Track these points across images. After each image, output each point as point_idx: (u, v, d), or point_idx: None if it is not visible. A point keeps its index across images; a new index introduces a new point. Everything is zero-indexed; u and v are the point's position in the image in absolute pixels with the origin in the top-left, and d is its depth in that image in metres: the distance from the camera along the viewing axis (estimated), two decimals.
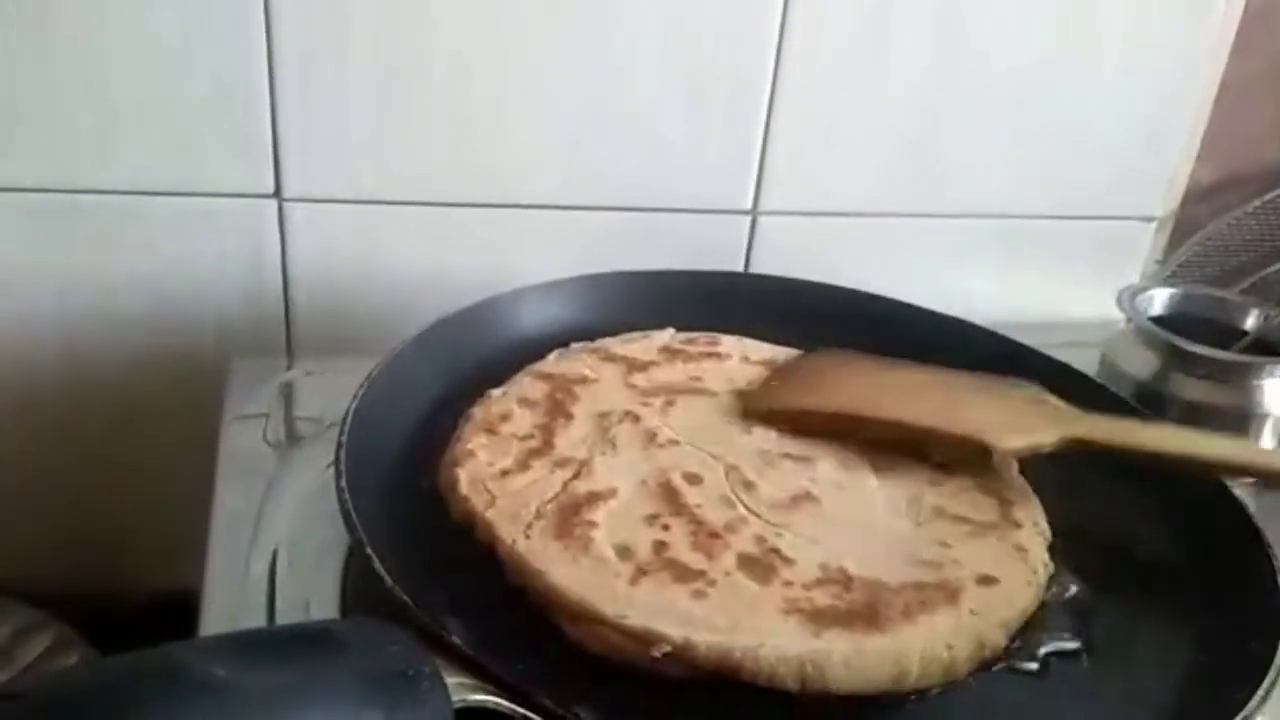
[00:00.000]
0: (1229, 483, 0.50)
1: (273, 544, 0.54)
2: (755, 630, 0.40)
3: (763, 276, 0.68)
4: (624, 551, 0.43)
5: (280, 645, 0.34)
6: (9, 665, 0.69)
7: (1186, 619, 0.45)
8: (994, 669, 0.41)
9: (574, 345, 0.58)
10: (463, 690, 0.35)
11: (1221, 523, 0.48)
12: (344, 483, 0.44)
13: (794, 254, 0.77)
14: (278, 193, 0.69)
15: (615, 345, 0.58)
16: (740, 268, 0.78)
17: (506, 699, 0.36)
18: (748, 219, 0.77)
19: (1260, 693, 0.38)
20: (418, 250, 0.72)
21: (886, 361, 0.56)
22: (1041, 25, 0.75)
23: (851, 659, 0.39)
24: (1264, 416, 0.63)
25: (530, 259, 0.72)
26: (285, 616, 0.50)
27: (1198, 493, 0.50)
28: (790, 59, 0.72)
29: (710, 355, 0.58)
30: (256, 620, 0.51)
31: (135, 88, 0.65)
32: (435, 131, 0.69)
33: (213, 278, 0.70)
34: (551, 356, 0.57)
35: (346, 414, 0.48)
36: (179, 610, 0.54)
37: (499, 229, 0.73)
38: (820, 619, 0.40)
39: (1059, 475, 0.51)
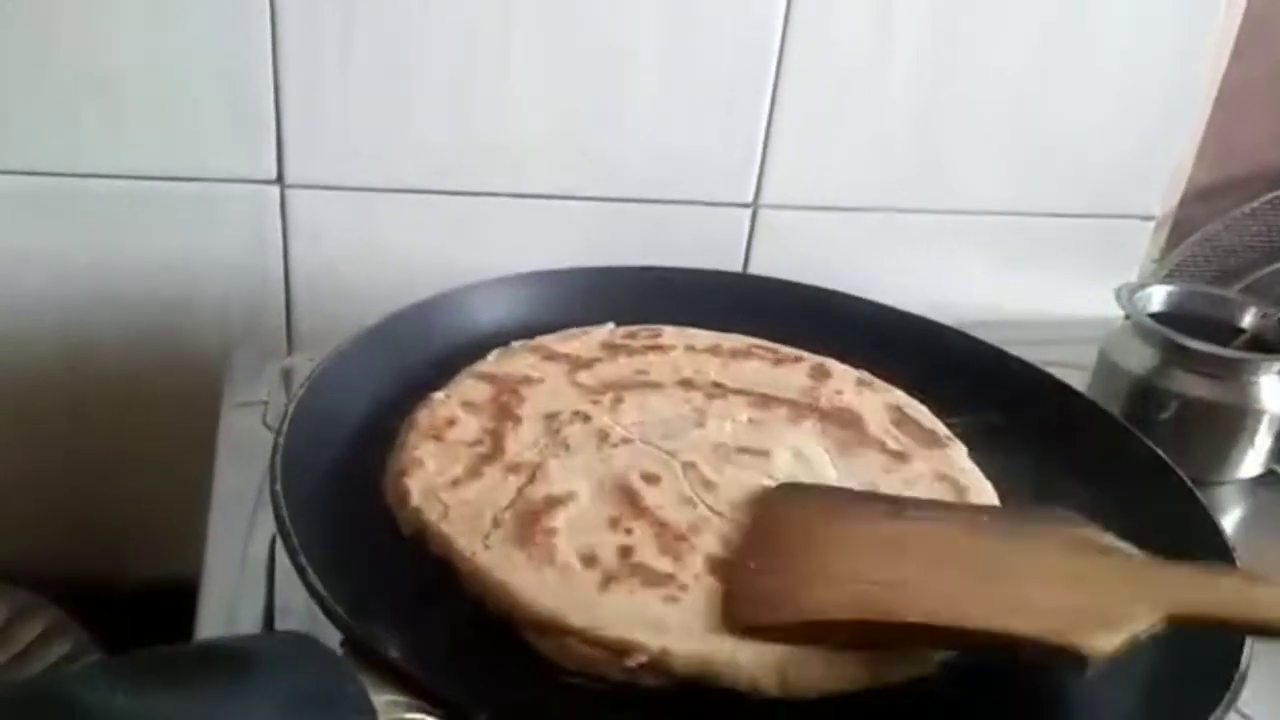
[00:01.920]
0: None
1: (271, 528, 0.54)
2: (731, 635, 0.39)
3: (724, 273, 0.67)
4: (589, 559, 0.41)
5: (188, 667, 0.32)
6: (5, 649, 0.69)
7: None
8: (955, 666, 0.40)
9: (514, 344, 0.57)
10: (395, 709, 0.33)
11: (1183, 521, 0.48)
12: (279, 486, 0.42)
13: (794, 248, 0.78)
14: (280, 179, 0.70)
15: (555, 343, 0.57)
16: (740, 261, 0.78)
17: (443, 717, 0.34)
18: (748, 212, 0.77)
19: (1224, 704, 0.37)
20: (418, 238, 0.72)
21: (870, 498, 0.47)
22: (1042, 24, 0.75)
23: (831, 658, 0.38)
24: (1260, 413, 0.62)
25: (531, 249, 0.72)
26: (283, 599, 0.50)
27: (1158, 491, 0.50)
28: (793, 53, 0.72)
29: (654, 348, 0.57)
30: (255, 603, 0.51)
31: (139, 73, 0.65)
32: (437, 120, 0.70)
33: (214, 263, 0.71)
34: (491, 356, 0.55)
35: (285, 413, 0.46)
36: (176, 596, 0.54)
37: (499, 218, 0.73)
38: None
39: (1009, 461, 0.51)
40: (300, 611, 0.48)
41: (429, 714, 0.34)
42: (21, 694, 0.30)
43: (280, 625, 0.49)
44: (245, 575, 0.52)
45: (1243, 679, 0.39)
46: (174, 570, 0.57)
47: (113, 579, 0.75)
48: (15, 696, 0.30)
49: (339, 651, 0.35)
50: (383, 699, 0.33)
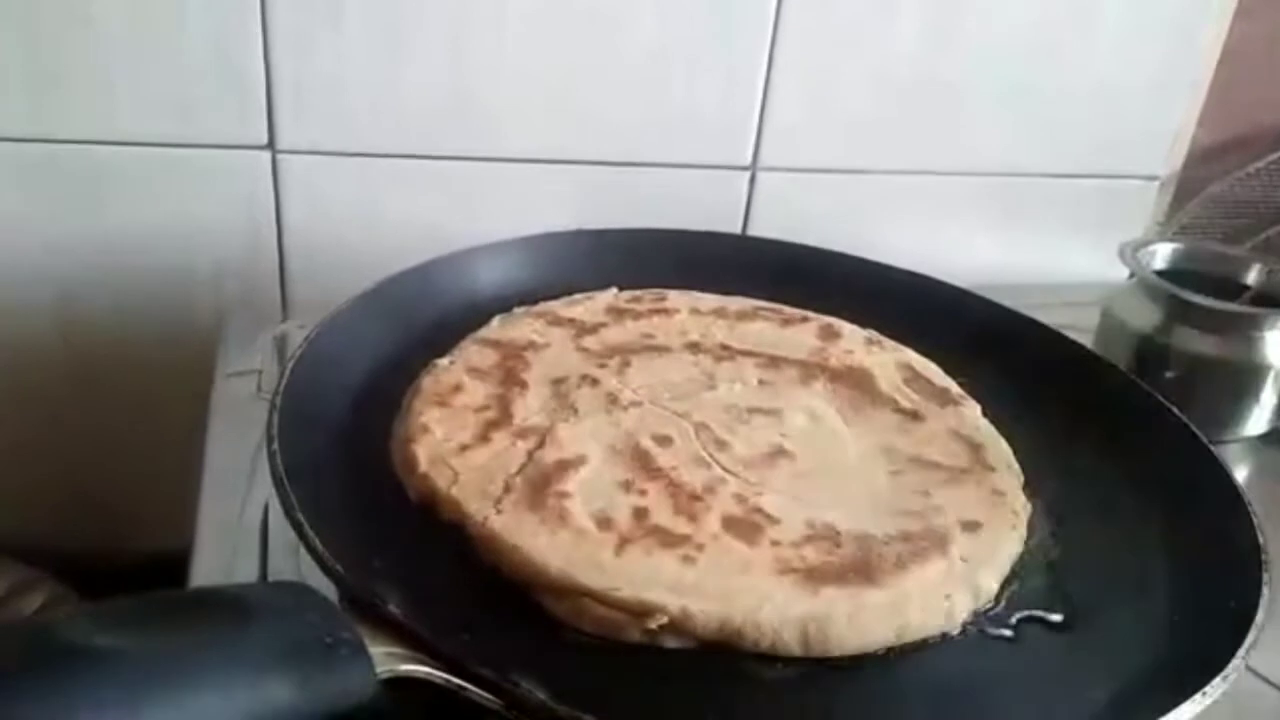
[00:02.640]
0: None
1: (264, 497, 0.53)
2: (752, 593, 0.38)
3: (720, 235, 0.66)
4: (603, 521, 0.41)
5: (182, 611, 0.31)
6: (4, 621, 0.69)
7: (1162, 574, 0.44)
8: (969, 634, 0.40)
9: (516, 309, 0.56)
10: (391, 660, 0.32)
11: (1194, 474, 0.47)
12: (276, 446, 0.41)
13: (793, 210, 0.77)
14: (271, 144, 0.68)
15: (560, 308, 0.56)
16: (739, 224, 0.77)
17: (442, 669, 0.33)
18: (747, 175, 0.76)
19: (1240, 654, 0.37)
20: (412, 203, 0.72)
21: None
22: None
23: (854, 615, 0.38)
24: (1267, 369, 0.62)
25: (527, 212, 0.71)
26: (276, 567, 0.49)
27: (1168, 443, 0.49)
28: (790, 13, 0.71)
29: (659, 311, 0.57)
30: (249, 571, 0.50)
31: (127, 37, 0.64)
32: (431, 84, 0.69)
33: (206, 230, 0.70)
34: (495, 322, 0.55)
35: (282, 375, 0.46)
36: (174, 568, 0.53)
37: (495, 182, 0.72)
38: (816, 577, 0.39)
39: (1020, 418, 0.51)
40: (293, 577, 0.47)
41: (425, 666, 0.33)
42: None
43: None
44: (239, 544, 0.51)
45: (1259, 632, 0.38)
46: (172, 542, 0.56)
47: (111, 551, 0.74)
48: None
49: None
50: (379, 650, 0.32)
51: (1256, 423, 0.64)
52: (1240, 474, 0.63)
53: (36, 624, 0.29)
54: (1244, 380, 0.63)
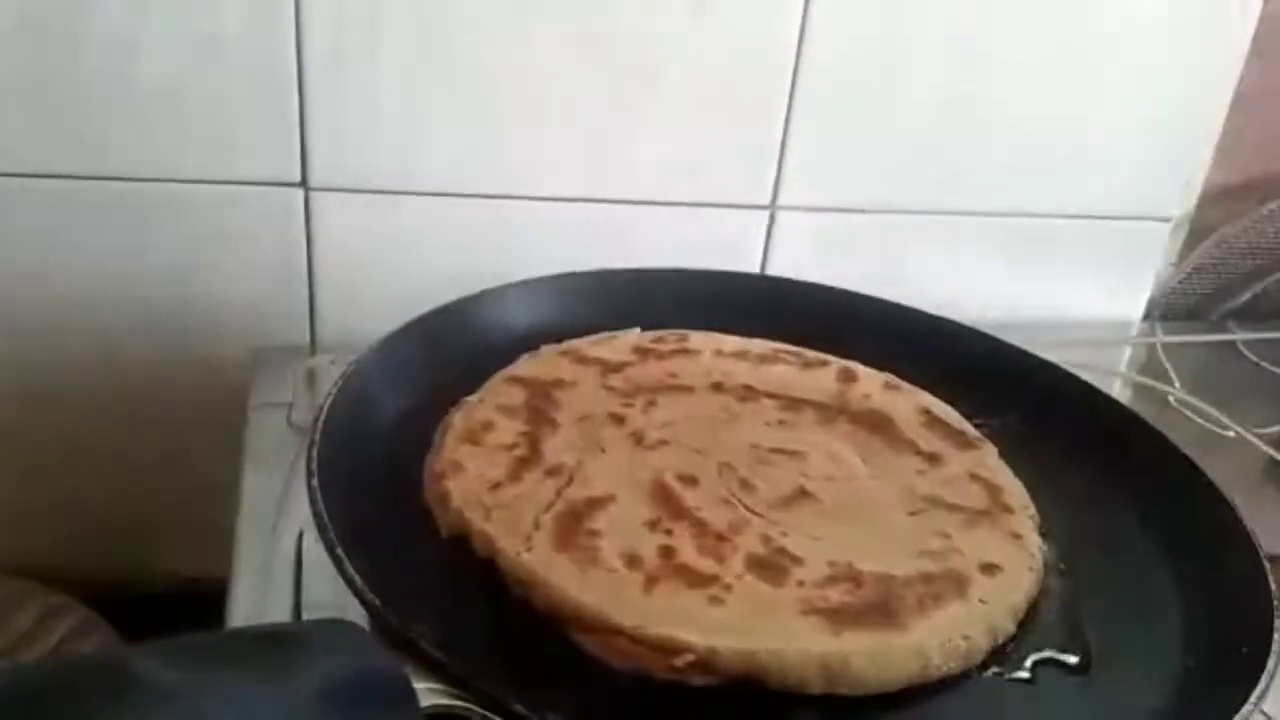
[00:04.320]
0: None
1: (296, 525, 0.54)
2: (777, 633, 0.39)
3: (739, 275, 0.68)
4: (631, 559, 0.42)
5: (239, 648, 0.33)
6: (33, 648, 0.70)
7: (1175, 617, 0.45)
8: (985, 675, 0.41)
9: (544, 348, 0.57)
10: (433, 695, 0.34)
11: (1204, 516, 0.48)
12: (316, 481, 0.42)
13: (812, 250, 0.78)
14: (304, 182, 0.70)
15: (586, 347, 0.57)
16: (758, 262, 0.79)
17: (478, 705, 0.35)
18: (766, 214, 0.77)
19: (1253, 698, 0.38)
20: (439, 240, 0.73)
21: None
22: (1060, 26, 0.75)
23: (875, 656, 0.39)
24: None
25: (551, 251, 0.72)
26: (311, 595, 0.50)
27: (1177, 482, 0.50)
28: (810, 56, 0.72)
29: (681, 352, 0.58)
30: (284, 599, 0.51)
31: (168, 78, 0.66)
32: (459, 124, 0.70)
33: (240, 265, 0.72)
34: (522, 360, 0.56)
35: (320, 411, 0.47)
36: (202, 594, 0.55)
37: (520, 221, 0.74)
38: (838, 618, 0.40)
39: (1033, 458, 0.52)
40: (327, 606, 0.49)
41: (463, 701, 0.35)
42: (77, 664, 0.31)
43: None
44: (273, 572, 0.53)
45: (1271, 678, 0.39)
46: (200, 569, 0.58)
47: (140, 578, 0.75)
48: (71, 664, 0.31)
49: None
50: (421, 686, 0.34)
51: None
52: None
53: (113, 659, 0.30)
54: None
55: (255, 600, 0.51)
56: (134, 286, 0.71)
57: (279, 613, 0.50)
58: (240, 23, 0.65)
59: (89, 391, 0.74)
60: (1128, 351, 0.84)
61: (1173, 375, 0.77)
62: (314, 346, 0.74)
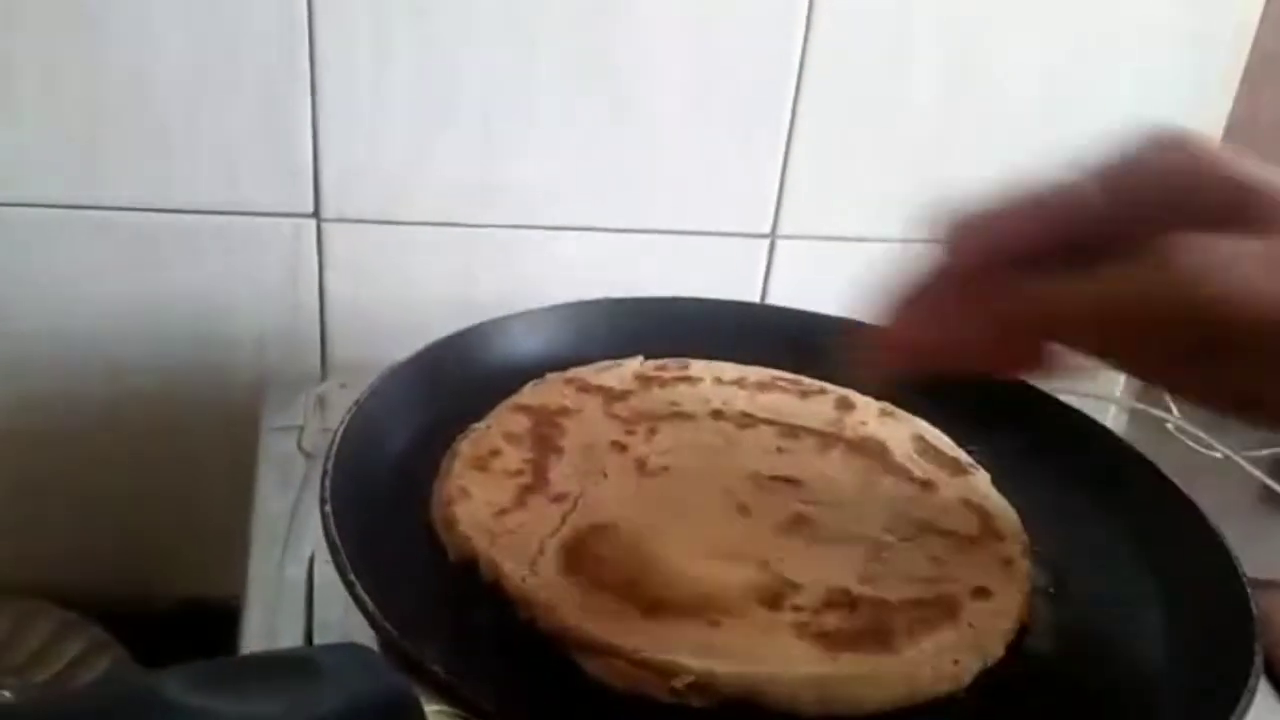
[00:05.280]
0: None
1: (307, 549, 0.56)
2: (774, 658, 0.41)
3: (740, 304, 0.69)
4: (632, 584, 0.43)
5: (258, 673, 0.33)
6: (45, 667, 0.71)
7: (1161, 643, 0.46)
8: (976, 694, 0.42)
9: (549, 375, 0.58)
10: (442, 718, 0.36)
11: (1192, 545, 0.49)
12: (329, 508, 0.44)
13: (812, 278, 0.79)
14: (316, 213, 0.72)
15: (589, 375, 0.58)
16: (759, 291, 0.80)
17: None
18: (766, 243, 0.79)
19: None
20: (447, 270, 0.75)
21: None
22: (1058, 54, 0.76)
23: (869, 678, 0.40)
24: None
25: (555, 280, 0.74)
26: (321, 617, 0.52)
27: (1164, 508, 0.51)
28: (811, 84, 0.74)
29: (682, 379, 0.59)
30: (295, 621, 0.53)
31: (183, 112, 0.68)
32: (467, 157, 0.72)
33: (252, 294, 0.73)
34: (527, 388, 0.57)
35: (334, 438, 0.48)
36: (213, 614, 0.56)
37: (526, 250, 0.75)
38: (832, 642, 0.41)
39: (1024, 483, 0.53)
40: (338, 628, 0.50)
41: None
42: (106, 689, 0.32)
43: (320, 642, 0.51)
44: (284, 594, 0.54)
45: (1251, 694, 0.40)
46: (211, 589, 0.59)
47: (152, 598, 0.77)
48: (100, 691, 0.32)
49: None
50: (432, 709, 0.35)
51: None
52: None
53: (140, 682, 0.31)
54: None
55: (267, 622, 0.53)
56: (148, 313, 0.73)
57: (291, 635, 0.52)
58: (254, 58, 0.67)
59: (102, 419, 0.75)
60: (1124, 377, 0.85)
61: (1170, 401, 0.78)
62: (324, 373, 0.75)
